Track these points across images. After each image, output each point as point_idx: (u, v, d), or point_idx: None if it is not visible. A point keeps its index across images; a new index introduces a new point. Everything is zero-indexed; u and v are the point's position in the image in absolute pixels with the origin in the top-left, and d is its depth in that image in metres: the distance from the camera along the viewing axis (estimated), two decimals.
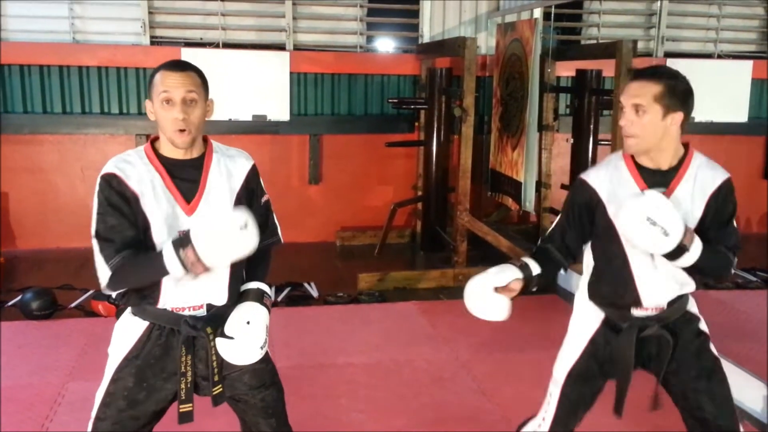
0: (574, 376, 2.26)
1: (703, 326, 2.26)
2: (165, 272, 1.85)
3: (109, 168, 1.95)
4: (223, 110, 6.57)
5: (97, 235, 1.93)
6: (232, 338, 1.97)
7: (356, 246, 6.92)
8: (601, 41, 7.07)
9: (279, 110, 6.63)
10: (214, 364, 2.01)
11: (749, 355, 3.78)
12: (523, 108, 5.58)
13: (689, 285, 2.18)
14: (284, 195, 6.70)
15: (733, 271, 2.15)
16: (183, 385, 2.00)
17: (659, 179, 2.07)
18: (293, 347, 4.26)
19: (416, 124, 6.86)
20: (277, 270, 6.22)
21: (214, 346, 1.99)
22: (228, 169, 2.04)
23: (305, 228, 6.74)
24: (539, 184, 6.23)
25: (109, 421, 2.00)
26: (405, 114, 6.95)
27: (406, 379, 3.82)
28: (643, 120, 1.98)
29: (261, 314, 2.04)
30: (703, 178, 2.08)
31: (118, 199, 1.91)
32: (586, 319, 2.27)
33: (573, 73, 6.51)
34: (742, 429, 2.23)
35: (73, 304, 4.88)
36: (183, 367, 1.99)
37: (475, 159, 6.00)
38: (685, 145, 2.13)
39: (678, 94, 2.00)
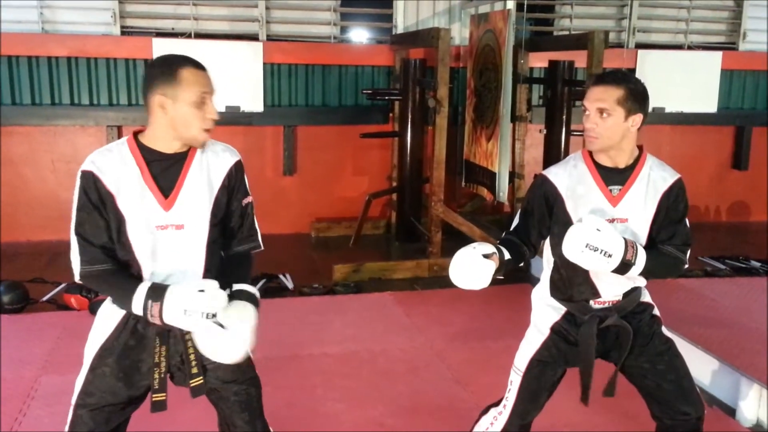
0: (535, 364, 2.32)
1: (655, 311, 2.36)
2: (129, 306, 1.91)
3: (87, 165, 1.94)
4: None
5: (77, 233, 1.94)
6: (221, 330, 1.92)
7: (331, 237, 6.92)
8: (573, 32, 7.13)
9: (252, 101, 6.60)
10: (192, 357, 2.02)
11: (718, 341, 3.86)
12: (497, 99, 5.61)
13: (641, 280, 2.28)
14: (258, 186, 6.62)
15: (685, 267, 2.25)
16: (156, 375, 2.00)
17: (616, 177, 2.19)
18: (268, 338, 4.23)
19: (390, 115, 6.87)
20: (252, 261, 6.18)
21: (190, 339, 1.99)
22: (210, 164, 2.03)
23: (280, 219, 6.72)
24: (513, 175, 6.28)
25: (89, 408, 2.01)
26: (379, 105, 6.95)
27: (381, 368, 3.85)
28: (607, 122, 2.11)
29: (252, 316, 2.02)
30: (655, 178, 2.21)
31: (96, 197, 1.92)
32: (546, 311, 2.34)
33: (546, 64, 6.55)
34: (704, 404, 2.33)
35: (45, 298, 4.82)
36: (157, 358, 1.99)
37: (450, 150, 6.02)
38: (640, 147, 2.26)
39: (638, 97, 2.13)
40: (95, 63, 6.38)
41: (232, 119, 6.53)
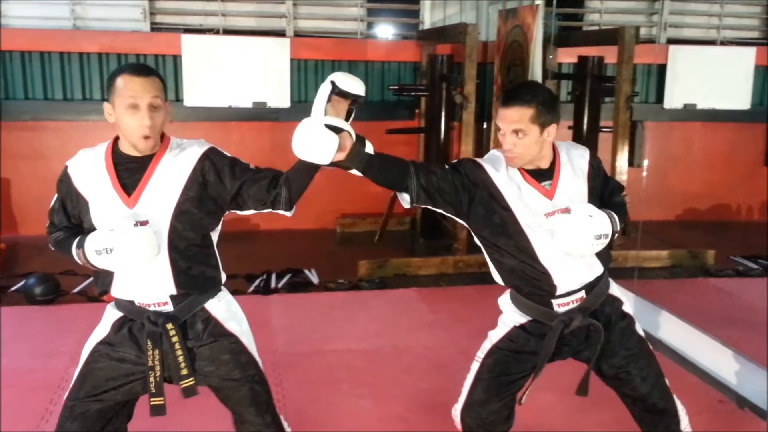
0: (494, 351, 2.32)
1: (627, 308, 2.36)
2: (73, 258, 2.03)
3: (69, 162, 2.08)
4: (222, 97, 6.57)
5: (49, 213, 2.14)
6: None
7: (356, 233, 6.94)
8: (603, 27, 7.04)
9: (279, 97, 6.62)
10: (180, 358, 2.04)
11: (750, 343, 3.79)
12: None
13: (597, 267, 2.26)
14: None
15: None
16: (152, 379, 2.03)
17: (543, 174, 2.22)
18: (293, 333, 4.28)
19: (416, 111, 6.86)
20: (277, 256, 6.28)
21: (178, 341, 2.02)
22: (177, 160, 2.04)
23: (305, 215, 6.69)
24: None
25: (77, 402, 2.06)
26: (405, 101, 6.94)
27: (405, 365, 3.84)
28: (524, 141, 2.14)
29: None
30: (573, 159, 2.26)
31: (66, 193, 2.08)
32: (513, 315, 2.34)
33: (575, 60, 6.48)
34: (677, 402, 2.36)
35: (75, 290, 4.89)
36: (151, 362, 2.03)
37: (476, 146, 5.99)
38: None
39: (549, 108, 2.14)
40: (125, 59, 6.45)
41: (258, 115, 6.57)
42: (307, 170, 2.05)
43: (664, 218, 7.08)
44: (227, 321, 2.13)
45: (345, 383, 3.60)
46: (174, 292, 2.04)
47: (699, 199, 7.38)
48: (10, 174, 6.44)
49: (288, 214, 2.10)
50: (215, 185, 2.05)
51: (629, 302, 2.39)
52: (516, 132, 2.12)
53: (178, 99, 6.51)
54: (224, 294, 2.18)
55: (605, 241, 2.11)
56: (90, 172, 2.03)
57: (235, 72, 6.49)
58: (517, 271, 2.24)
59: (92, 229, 2.00)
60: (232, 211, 2.12)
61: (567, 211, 2.15)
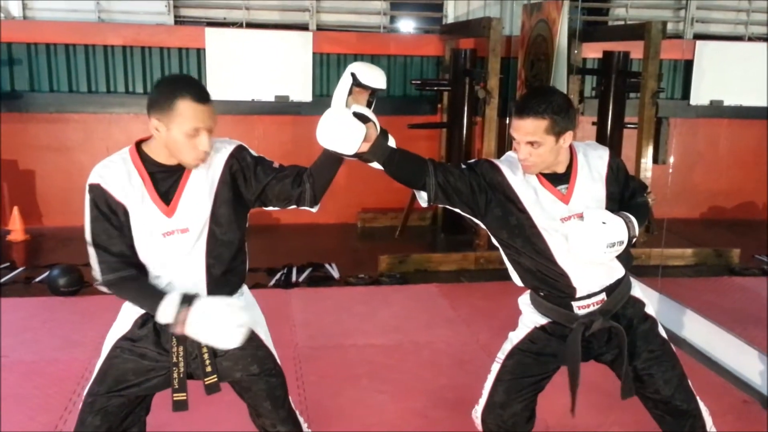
0: (515, 352, 2.31)
1: (649, 310, 2.32)
2: (154, 312, 1.92)
3: (93, 178, 1.98)
4: (245, 91, 6.59)
5: (94, 244, 1.99)
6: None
7: (377, 228, 6.93)
8: (629, 22, 6.96)
9: (301, 91, 6.63)
10: (206, 356, 2.05)
11: None
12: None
13: (617, 270, 2.23)
14: None
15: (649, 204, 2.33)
16: (176, 375, 2.04)
17: (560, 179, 2.18)
18: (314, 327, 4.28)
19: (439, 106, 6.82)
20: (298, 250, 6.29)
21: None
22: (211, 164, 2.02)
23: (326, 209, 6.64)
24: None
25: (97, 398, 2.06)
26: (428, 96, 6.91)
27: (426, 360, 3.83)
28: (539, 151, 2.10)
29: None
30: (591, 162, 2.21)
31: (107, 208, 1.96)
32: (533, 315, 2.32)
33: (600, 55, 6.41)
34: (701, 403, 2.31)
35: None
36: (175, 358, 2.03)
37: (499, 142, 5.95)
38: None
39: (564, 116, 2.09)
40: (149, 52, 6.50)
41: (281, 109, 6.57)
42: (331, 164, 2.04)
43: (689, 216, 6.99)
44: (255, 325, 2.13)
45: (365, 378, 3.60)
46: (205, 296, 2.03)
47: (724, 197, 7.28)
48: (34, 165, 6.52)
49: (313, 210, 2.09)
50: (243, 185, 2.05)
51: (652, 303, 2.36)
52: (531, 143, 2.09)
53: None
54: (244, 288, 2.19)
55: (620, 249, 2.07)
56: (126, 184, 1.97)
57: (258, 65, 6.50)
58: (535, 273, 2.23)
59: (128, 238, 1.96)
60: (258, 207, 2.11)
61: (581, 215, 2.13)
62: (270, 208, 2.12)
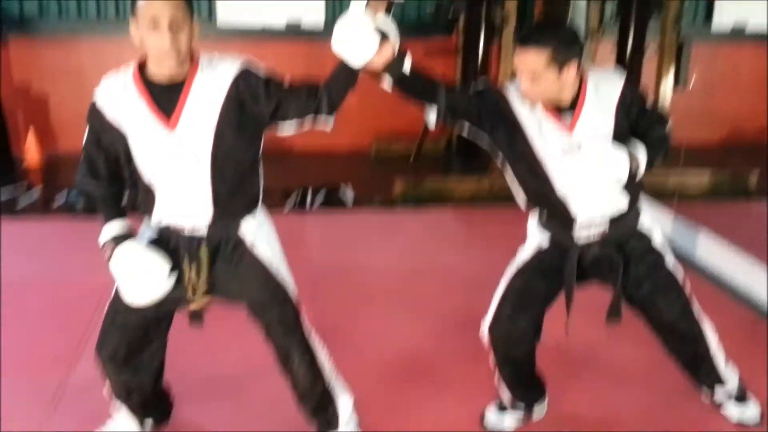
0: (522, 268, 2.35)
1: (657, 243, 2.32)
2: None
3: (96, 96, 2.00)
4: (255, 15, 6.47)
5: (83, 149, 2.07)
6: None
7: (392, 152, 6.92)
8: None
9: (314, 16, 6.50)
10: (203, 281, 2.08)
11: None
12: (567, 14, 5.38)
13: (621, 201, 2.22)
14: None
15: (671, 136, 2.21)
16: (190, 290, 2.09)
17: (564, 110, 2.15)
18: (328, 251, 4.34)
19: (455, 30, 6.68)
20: (313, 175, 6.29)
21: (207, 264, 2.06)
22: (211, 80, 1.97)
23: (341, 135, 6.65)
24: None
25: (117, 315, 2.14)
26: (443, 20, 6.75)
27: (440, 283, 3.88)
28: (541, 84, 2.06)
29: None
30: (602, 91, 2.15)
31: (99, 127, 2.00)
32: (538, 233, 2.36)
33: None
34: (706, 325, 2.37)
35: None
36: (188, 274, 2.08)
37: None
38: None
39: (566, 48, 2.04)
40: None
41: (293, 34, 6.47)
42: (347, 77, 2.00)
43: (708, 141, 6.91)
44: (258, 244, 2.13)
45: (379, 299, 3.66)
46: (210, 217, 2.04)
47: (744, 121, 7.17)
48: (48, 91, 6.51)
49: (329, 122, 2.06)
50: (252, 105, 2.00)
51: (661, 234, 2.35)
52: (532, 74, 2.05)
53: (212, 18, 6.44)
54: (258, 214, 2.16)
55: (617, 182, 2.03)
56: (122, 101, 1.97)
57: None
58: (537, 197, 2.26)
59: (132, 163, 1.99)
60: (273, 126, 2.07)
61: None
62: (286, 129, 2.08)
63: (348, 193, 5.49)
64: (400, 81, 2.07)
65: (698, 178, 5.68)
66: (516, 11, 5.52)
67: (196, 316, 2.16)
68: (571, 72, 2.06)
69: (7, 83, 6.49)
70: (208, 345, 3.10)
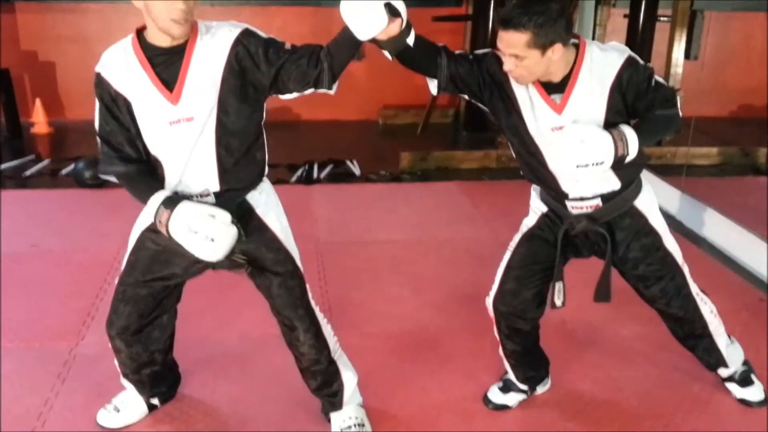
0: (525, 239, 2.36)
1: (653, 223, 2.28)
2: (144, 204, 1.98)
3: (98, 67, 1.97)
4: None
5: (100, 135, 2.02)
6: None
7: (399, 124, 6.88)
8: None
9: None
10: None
11: None
12: None
13: (613, 181, 2.19)
14: None
15: (679, 116, 2.13)
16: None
17: (555, 87, 2.09)
18: (335, 223, 4.34)
19: None
20: (319, 147, 6.29)
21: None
22: (210, 49, 1.93)
23: (347, 106, 6.68)
24: None
25: (127, 287, 2.15)
26: None
27: (446, 256, 3.89)
28: (525, 63, 2.01)
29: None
30: (597, 69, 2.07)
31: (108, 98, 1.96)
32: (539, 203, 2.36)
33: None
34: (704, 306, 2.38)
35: None
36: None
37: None
38: (576, 45, 2.09)
39: (548, 29, 1.96)
40: None
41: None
42: (349, 45, 1.96)
43: (718, 114, 6.83)
44: (266, 214, 2.13)
45: (385, 273, 3.67)
46: (218, 188, 2.03)
47: (756, 95, 7.06)
48: (54, 57, 6.47)
49: (331, 92, 2.02)
50: (252, 72, 1.96)
51: (658, 213, 2.32)
52: (514, 56, 2.00)
53: None
54: (265, 185, 2.16)
55: (599, 168, 1.98)
56: (125, 71, 1.93)
57: None
58: (531, 170, 2.25)
59: (137, 131, 1.96)
60: (274, 95, 2.04)
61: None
62: (287, 96, 2.04)
63: (354, 165, 5.48)
64: (400, 53, 2.06)
65: (707, 154, 5.63)
66: None
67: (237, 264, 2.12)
68: (556, 52, 2.00)
69: (14, 50, 6.46)
70: (212, 318, 3.12)
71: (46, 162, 5.44)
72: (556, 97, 2.09)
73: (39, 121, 6.38)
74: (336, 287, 3.43)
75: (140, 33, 1.96)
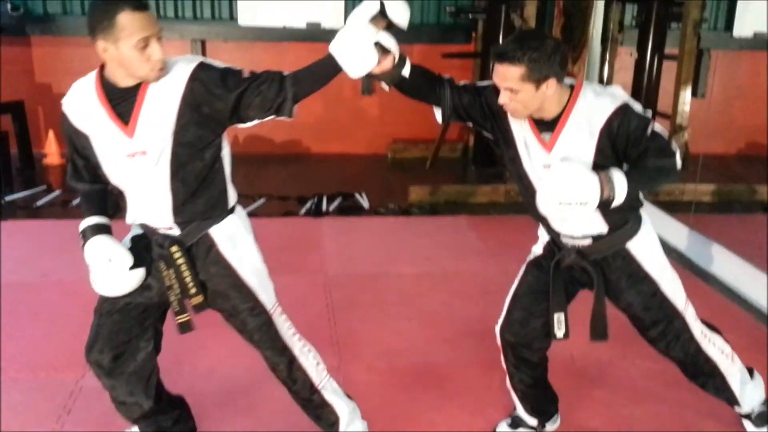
0: (531, 267, 2.37)
1: (647, 269, 2.25)
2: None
3: (63, 101, 2.03)
4: (277, 17, 6.51)
5: (68, 155, 2.14)
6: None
7: (408, 158, 6.92)
8: None
9: (334, 18, 6.52)
10: (188, 279, 2.08)
11: None
12: (587, 19, 5.36)
13: (598, 225, 2.18)
14: (336, 106, 6.67)
15: (678, 167, 2.06)
16: (173, 297, 2.09)
17: (546, 125, 2.10)
18: (344, 256, 4.35)
19: (474, 34, 6.68)
20: (329, 180, 6.32)
21: (183, 262, 2.06)
22: (166, 82, 1.94)
23: (357, 139, 6.74)
24: None
25: (104, 312, 2.15)
26: (462, 24, 6.75)
27: (454, 290, 3.88)
28: (519, 97, 2.02)
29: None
30: (591, 113, 2.06)
31: (71, 132, 2.04)
32: (544, 238, 2.39)
33: None
34: (711, 351, 2.35)
35: None
36: (168, 281, 2.08)
37: None
38: (572, 86, 2.10)
39: (543, 65, 1.98)
40: None
41: (312, 36, 6.49)
42: (325, 76, 2.00)
43: (725, 152, 6.85)
44: (229, 249, 2.11)
45: (394, 306, 3.67)
46: (172, 221, 2.05)
47: (762, 132, 7.08)
48: (68, 90, 6.56)
49: (290, 118, 2.02)
50: (209, 104, 1.95)
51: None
52: (508, 89, 2.02)
53: (233, 18, 6.48)
54: (232, 219, 2.13)
55: (583, 208, 1.94)
56: (84, 107, 1.98)
57: None
58: (529, 203, 2.24)
59: (98, 164, 2.03)
60: (235, 125, 2.03)
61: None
62: (247, 124, 2.04)
63: (364, 199, 5.50)
64: (398, 84, 2.10)
65: (715, 192, 5.63)
66: (536, 15, 5.50)
67: (185, 326, 2.15)
68: (550, 87, 2.01)
69: (28, 82, 6.57)
70: (219, 351, 3.12)
71: (57, 192, 5.48)
72: (547, 135, 2.10)
73: (51, 152, 6.45)
74: (344, 320, 3.43)
75: (102, 69, 1.98)
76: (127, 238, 2.16)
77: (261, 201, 5.26)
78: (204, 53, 6.38)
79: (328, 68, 1.97)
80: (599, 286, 2.24)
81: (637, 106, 2.06)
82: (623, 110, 2.04)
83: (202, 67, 1.96)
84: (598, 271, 2.23)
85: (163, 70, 1.91)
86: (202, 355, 3.05)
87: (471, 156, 6.76)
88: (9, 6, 6.06)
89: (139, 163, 1.97)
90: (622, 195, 1.97)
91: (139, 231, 2.15)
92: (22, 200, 5.29)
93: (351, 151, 6.78)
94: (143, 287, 2.10)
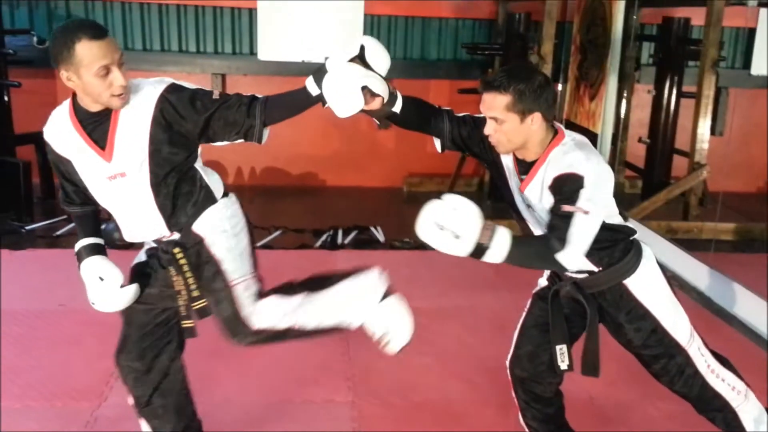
0: (536, 299, 2.39)
1: (647, 305, 2.20)
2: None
3: (44, 132, 2.09)
4: (296, 52, 6.59)
5: (58, 178, 2.19)
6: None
7: (423, 192, 6.92)
8: None
9: (352, 53, 6.60)
10: (190, 280, 2.13)
11: None
12: (604, 56, 5.39)
13: (584, 263, 2.14)
14: (353, 139, 6.72)
15: (557, 259, 1.98)
16: (181, 302, 2.15)
17: (525, 167, 2.12)
18: None
19: (489, 71, 6.73)
20: (344, 213, 6.34)
21: (186, 263, 2.11)
22: (135, 105, 1.99)
23: (373, 172, 6.76)
24: (615, 137, 6.05)
25: (125, 319, 2.27)
26: (479, 60, 6.81)
27: (469, 325, 3.86)
28: (503, 128, 2.02)
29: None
30: (554, 166, 2.03)
31: (54, 158, 2.10)
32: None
33: (659, 21, 6.22)
34: (721, 387, 2.29)
35: None
36: (176, 286, 2.13)
37: None
38: (556, 132, 2.10)
39: (529, 96, 1.98)
40: (202, 11, 6.54)
41: None
42: (300, 107, 2.04)
43: (745, 190, 6.81)
44: (213, 243, 2.13)
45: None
46: (168, 233, 2.11)
47: None
48: None
49: (260, 143, 2.06)
50: (179, 124, 2.00)
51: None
52: (494, 119, 2.03)
53: (253, 53, 6.58)
54: (213, 210, 2.14)
55: (455, 244, 1.90)
56: (63, 134, 2.03)
57: (308, 26, 6.49)
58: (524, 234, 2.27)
59: (84, 185, 2.08)
60: (205, 143, 2.09)
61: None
62: (218, 143, 2.08)
63: (379, 232, 5.51)
64: (391, 118, 2.13)
65: (734, 230, 5.59)
66: (552, 52, 5.54)
67: (189, 332, 2.22)
68: (535, 122, 2.00)
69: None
70: (235, 382, 3.11)
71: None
72: (523, 176, 2.12)
73: None
74: (360, 356, 3.40)
75: (75, 97, 2.02)
76: (142, 252, 2.25)
77: (277, 233, 5.29)
78: (224, 87, 6.48)
79: (303, 99, 2.01)
80: (593, 320, 2.21)
81: (589, 190, 1.96)
82: (568, 178, 1.98)
83: (171, 89, 2.02)
84: (593, 305, 2.21)
85: (125, 96, 1.95)
86: (216, 384, 3.04)
87: (487, 191, 6.76)
88: (35, 39, 6.19)
89: (121, 184, 2.03)
90: (499, 254, 1.93)
91: (152, 244, 2.21)
92: (41, 230, 5.34)
93: (367, 184, 6.81)
94: (162, 296, 2.17)
